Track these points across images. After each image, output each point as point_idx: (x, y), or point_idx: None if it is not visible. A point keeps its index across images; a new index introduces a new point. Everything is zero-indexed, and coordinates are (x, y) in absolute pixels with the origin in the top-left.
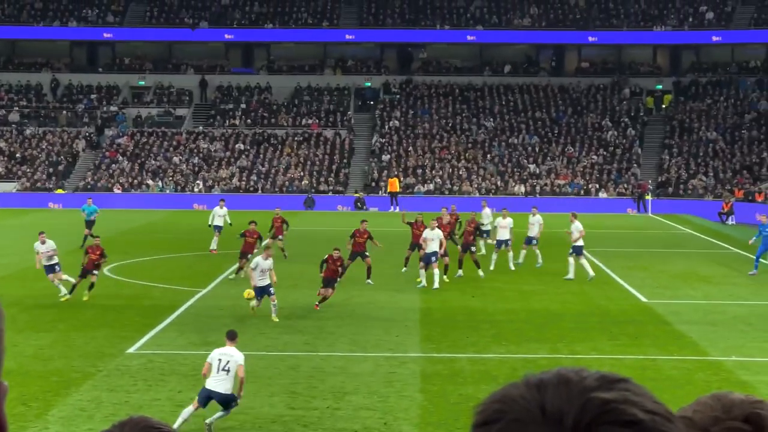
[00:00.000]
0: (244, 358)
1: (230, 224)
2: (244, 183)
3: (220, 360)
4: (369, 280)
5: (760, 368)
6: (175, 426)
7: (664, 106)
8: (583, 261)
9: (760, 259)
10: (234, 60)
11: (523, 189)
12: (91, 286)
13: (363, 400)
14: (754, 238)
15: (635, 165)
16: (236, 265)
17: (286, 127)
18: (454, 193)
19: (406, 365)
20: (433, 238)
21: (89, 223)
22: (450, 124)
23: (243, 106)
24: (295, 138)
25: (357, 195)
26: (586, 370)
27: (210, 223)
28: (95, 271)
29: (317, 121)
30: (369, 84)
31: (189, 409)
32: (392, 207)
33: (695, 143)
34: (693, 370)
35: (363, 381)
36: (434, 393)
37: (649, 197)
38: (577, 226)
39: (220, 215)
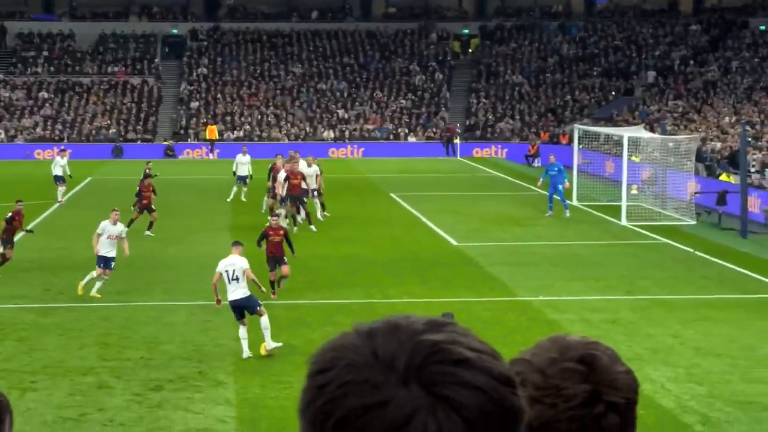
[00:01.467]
0: (247, 261)
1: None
2: (48, 132)
3: (227, 271)
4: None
5: (566, 306)
6: (245, 351)
7: (470, 50)
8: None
9: (555, 198)
10: (34, 6)
11: (332, 134)
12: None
13: (177, 350)
14: (542, 179)
15: (443, 109)
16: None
17: (91, 75)
18: (263, 140)
19: (220, 313)
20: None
21: None
22: (258, 71)
23: (45, 53)
24: (101, 86)
25: (167, 143)
26: (415, 315)
27: (234, 171)
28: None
29: (123, 68)
30: (176, 31)
31: (243, 331)
32: (210, 154)
33: (501, 87)
34: (503, 310)
35: (177, 330)
36: (249, 340)
37: (457, 141)
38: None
39: (243, 163)
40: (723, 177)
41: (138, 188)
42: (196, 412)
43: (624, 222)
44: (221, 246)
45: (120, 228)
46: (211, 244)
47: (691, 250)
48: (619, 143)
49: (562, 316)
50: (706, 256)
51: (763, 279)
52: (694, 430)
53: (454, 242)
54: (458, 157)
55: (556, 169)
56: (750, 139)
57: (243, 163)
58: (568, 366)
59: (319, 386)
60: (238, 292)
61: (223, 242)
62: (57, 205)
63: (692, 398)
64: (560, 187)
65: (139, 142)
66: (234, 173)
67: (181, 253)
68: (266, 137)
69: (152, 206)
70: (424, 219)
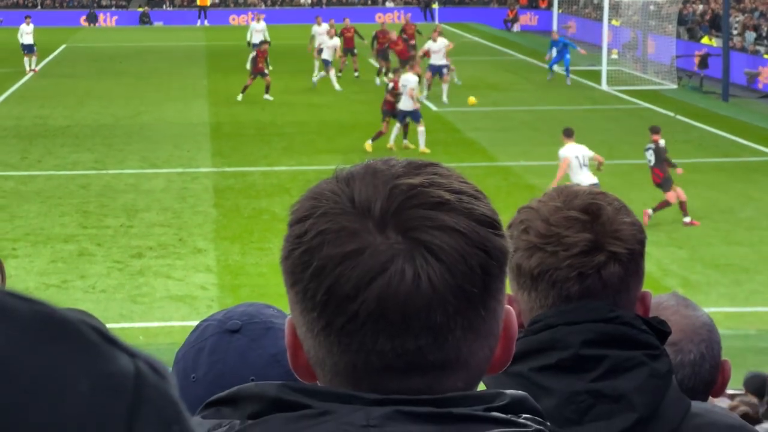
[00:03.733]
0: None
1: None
2: None
3: (578, 158)
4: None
5: (546, 171)
6: None
7: None
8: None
9: (554, 67)
10: None
11: (309, 0)
12: None
13: (156, 217)
14: (548, 53)
15: None
16: None
17: None
18: (240, 6)
19: (199, 180)
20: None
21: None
22: None
23: None
24: None
25: (141, 9)
26: (395, 159)
27: (248, 39)
28: None
29: None
30: None
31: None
32: (199, 21)
33: None
34: (483, 175)
35: (155, 198)
36: (228, 207)
37: (435, 6)
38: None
39: (258, 30)
40: (705, 40)
41: (255, 53)
42: (178, 279)
43: (605, 87)
44: (197, 113)
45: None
46: (186, 112)
47: (672, 114)
48: (599, 7)
49: (542, 181)
50: (688, 120)
51: (744, 142)
52: None
53: (434, 108)
54: (437, 22)
55: (561, 44)
56: (732, 1)
57: (258, 30)
58: (571, 215)
59: (297, 236)
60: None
61: (198, 109)
62: (30, 73)
63: (673, 262)
64: (567, 56)
65: (113, 8)
66: (248, 43)
67: (156, 121)
68: (242, 3)
69: (265, 71)
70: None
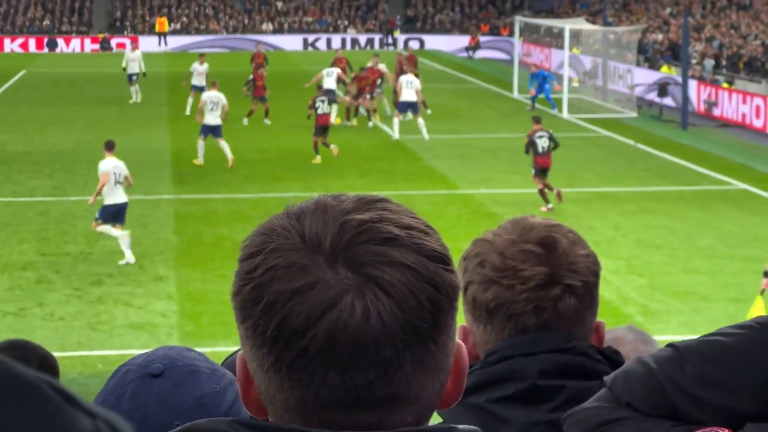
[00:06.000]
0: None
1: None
2: None
3: (115, 173)
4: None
5: (507, 199)
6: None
7: None
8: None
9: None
10: None
11: (271, 27)
12: None
13: (117, 244)
14: (531, 86)
15: (383, 1)
16: None
17: None
18: (201, 33)
19: (160, 207)
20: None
21: None
22: None
23: None
24: None
25: (102, 36)
26: (346, 195)
27: (123, 67)
28: None
29: None
30: None
31: (116, 232)
32: (160, 46)
33: None
34: (444, 203)
35: None
36: (189, 234)
37: (397, 33)
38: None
39: (201, 72)
40: (664, 69)
41: (252, 77)
42: (138, 307)
43: (565, 115)
44: (157, 139)
45: None
46: (147, 139)
47: (632, 142)
48: (560, 35)
49: (503, 209)
50: (647, 149)
51: (703, 171)
52: (635, 321)
53: (395, 135)
54: (399, 49)
55: (541, 76)
56: (691, 30)
57: (200, 73)
58: (527, 248)
59: (247, 271)
60: (120, 196)
61: (159, 136)
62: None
63: (633, 290)
64: (547, 86)
65: (74, 35)
66: (124, 68)
67: (117, 147)
68: (204, 29)
69: (264, 96)
70: (363, 112)
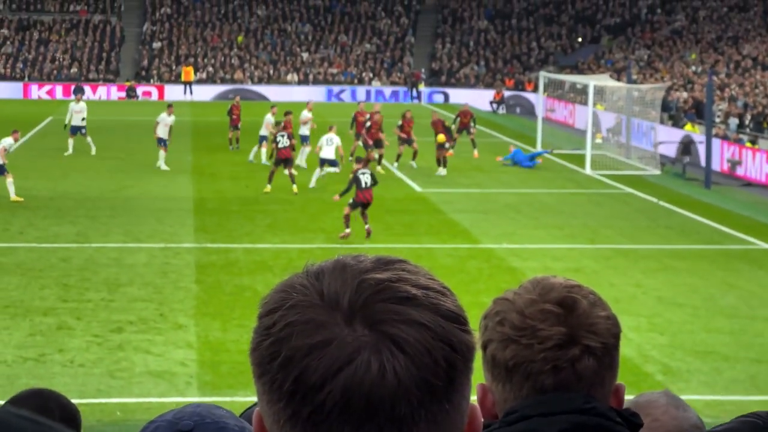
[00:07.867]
0: None
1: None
2: (9, 70)
3: None
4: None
5: (529, 254)
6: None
7: None
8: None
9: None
10: None
11: (296, 77)
12: None
13: (138, 292)
14: (506, 163)
15: (408, 54)
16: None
17: (53, 13)
18: (226, 82)
19: (181, 256)
20: None
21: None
22: (222, 12)
23: None
24: (63, 24)
25: (128, 84)
26: (365, 255)
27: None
28: None
29: (85, 7)
30: None
31: None
32: (185, 95)
33: (467, 32)
34: (466, 257)
35: (137, 272)
36: (209, 284)
37: (422, 86)
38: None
39: (77, 111)
40: (688, 127)
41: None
42: (157, 355)
43: (588, 171)
44: (180, 188)
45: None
46: (170, 187)
47: (655, 200)
48: (584, 91)
49: (524, 264)
50: (670, 206)
51: (726, 230)
52: (655, 380)
53: (418, 189)
54: (423, 103)
55: (520, 156)
56: (716, 89)
57: (166, 124)
58: (547, 308)
59: (266, 327)
60: None
61: (182, 184)
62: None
63: (653, 348)
64: (519, 157)
65: (101, 83)
66: (66, 125)
67: (140, 195)
68: (229, 79)
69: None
70: (388, 165)
